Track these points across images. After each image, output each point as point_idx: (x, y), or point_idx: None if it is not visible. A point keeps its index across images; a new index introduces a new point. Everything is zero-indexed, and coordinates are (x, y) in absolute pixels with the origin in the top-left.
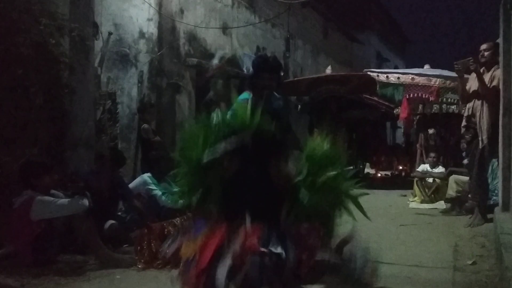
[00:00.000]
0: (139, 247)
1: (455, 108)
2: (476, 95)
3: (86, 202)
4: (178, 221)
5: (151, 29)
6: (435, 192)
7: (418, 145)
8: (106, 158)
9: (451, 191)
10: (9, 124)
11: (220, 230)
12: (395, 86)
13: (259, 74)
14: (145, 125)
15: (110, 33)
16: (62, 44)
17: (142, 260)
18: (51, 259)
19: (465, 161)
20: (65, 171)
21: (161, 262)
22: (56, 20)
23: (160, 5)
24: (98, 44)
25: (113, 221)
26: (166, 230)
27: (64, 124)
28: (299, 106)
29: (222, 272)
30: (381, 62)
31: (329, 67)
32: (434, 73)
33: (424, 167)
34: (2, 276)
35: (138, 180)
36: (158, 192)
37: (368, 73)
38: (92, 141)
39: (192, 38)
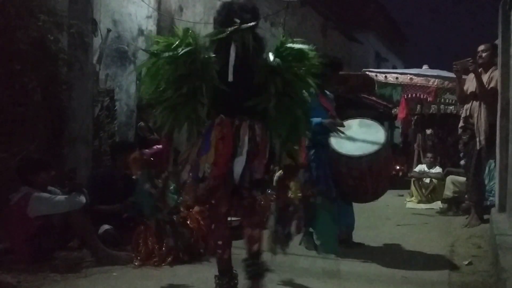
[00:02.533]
0: (135, 245)
1: (453, 109)
2: (473, 96)
3: (83, 198)
4: (175, 218)
5: (150, 26)
6: (432, 193)
7: (415, 145)
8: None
9: (448, 191)
10: (7, 120)
11: (227, 129)
12: (394, 86)
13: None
14: (141, 123)
15: (109, 30)
16: (61, 40)
17: (139, 258)
18: (48, 256)
19: (462, 162)
20: (63, 168)
21: (158, 259)
22: (55, 17)
23: (159, 3)
24: (97, 41)
25: (108, 226)
26: (162, 228)
27: (62, 121)
28: None
29: (238, 167)
30: (380, 62)
31: None
32: (432, 74)
33: (422, 167)
34: None
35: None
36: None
37: (367, 72)
38: (89, 138)
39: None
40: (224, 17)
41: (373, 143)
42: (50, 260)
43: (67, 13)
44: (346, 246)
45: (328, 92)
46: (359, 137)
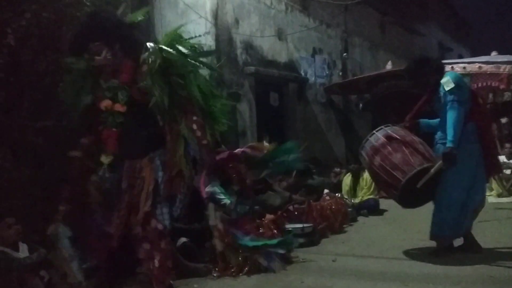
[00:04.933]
0: (213, 256)
1: None
2: None
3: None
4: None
5: (209, 42)
6: None
7: None
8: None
9: None
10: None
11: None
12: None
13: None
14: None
15: None
16: None
17: (217, 269)
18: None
19: None
20: None
21: (235, 269)
22: None
23: (216, 18)
24: None
25: (185, 239)
26: None
27: None
28: (361, 105)
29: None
30: (444, 52)
31: (389, 63)
32: (502, 60)
33: (500, 158)
34: None
35: (206, 189)
36: (227, 201)
37: None
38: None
39: (249, 46)
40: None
41: None
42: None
43: None
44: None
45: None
46: None
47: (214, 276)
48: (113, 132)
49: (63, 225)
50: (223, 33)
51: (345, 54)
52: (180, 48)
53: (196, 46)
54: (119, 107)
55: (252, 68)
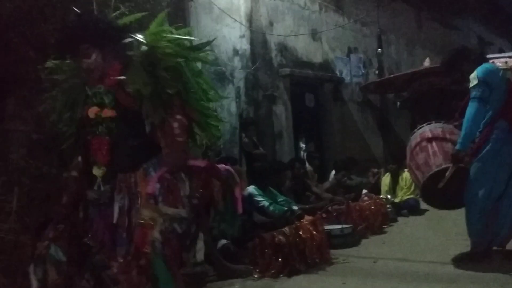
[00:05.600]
0: (253, 257)
1: None
2: None
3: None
4: (287, 230)
5: (244, 45)
6: None
7: None
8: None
9: None
10: None
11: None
12: (503, 71)
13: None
14: (245, 139)
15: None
16: None
17: (258, 270)
18: None
19: None
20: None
21: (275, 270)
22: None
23: (250, 21)
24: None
25: (225, 241)
26: (276, 239)
27: None
28: (398, 103)
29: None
30: (484, 47)
31: (427, 59)
32: None
33: None
34: None
35: (244, 192)
36: (265, 203)
37: None
38: (200, 158)
39: (283, 48)
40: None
41: None
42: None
43: None
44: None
45: None
46: None
47: (255, 277)
48: (105, 141)
49: (55, 245)
50: (257, 36)
51: (379, 50)
52: (168, 38)
53: (187, 36)
54: (108, 112)
55: (287, 70)
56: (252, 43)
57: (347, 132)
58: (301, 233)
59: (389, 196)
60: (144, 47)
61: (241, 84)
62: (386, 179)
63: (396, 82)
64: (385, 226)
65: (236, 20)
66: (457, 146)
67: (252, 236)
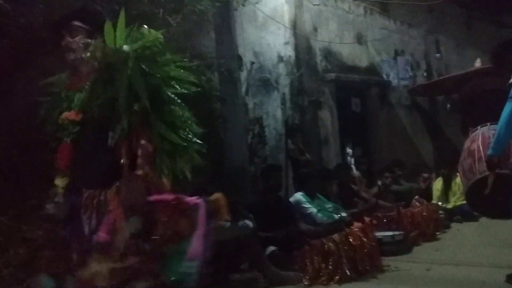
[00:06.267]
0: (302, 264)
1: None
2: None
3: (250, 224)
4: (337, 237)
5: (289, 51)
6: None
7: None
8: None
9: None
10: None
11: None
12: None
13: None
14: (291, 145)
15: (252, 63)
16: (213, 79)
17: (307, 277)
18: (224, 279)
19: None
20: (227, 197)
21: (325, 278)
22: (206, 59)
23: (294, 27)
24: (243, 74)
25: (273, 248)
26: (326, 246)
27: (220, 153)
28: (448, 105)
29: None
30: None
31: (478, 60)
32: None
33: None
34: None
35: (291, 199)
36: (313, 210)
37: None
38: (246, 166)
39: (328, 53)
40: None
41: None
42: (226, 283)
43: (215, 54)
44: None
45: None
46: None
47: (304, 284)
48: (67, 145)
49: (47, 275)
50: (302, 42)
51: (437, 55)
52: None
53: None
54: (71, 115)
55: (332, 75)
56: (296, 49)
57: (395, 136)
58: (351, 240)
59: (439, 203)
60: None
61: (286, 91)
62: (437, 184)
63: (446, 84)
64: (438, 233)
65: (280, 27)
66: (489, 151)
67: (301, 243)
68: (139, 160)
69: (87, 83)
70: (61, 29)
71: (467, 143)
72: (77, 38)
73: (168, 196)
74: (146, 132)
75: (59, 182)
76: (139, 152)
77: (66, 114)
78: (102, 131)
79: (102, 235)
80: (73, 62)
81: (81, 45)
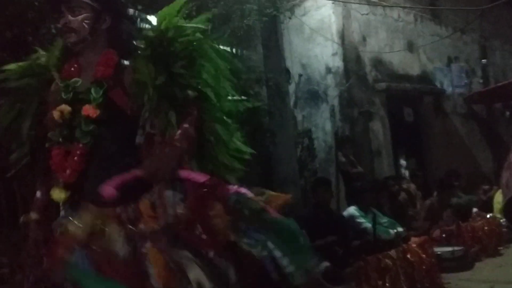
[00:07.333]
0: (358, 281)
1: None
2: None
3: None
4: (394, 253)
5: (337, 62)
6: None
7: None
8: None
9: None
10: None
11: None
12: None
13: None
14: (342, 158)
15: (300, 75)
16: (261, 93)
17: None
18: None
19: None
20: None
21: None
22: (254, 73)
23: (342, 38)
24: (291, 87)
25: (327, 263)
26: (382, 263)
27: (270, 166)
28: (508, 113)
29: None
30: None
31: None
32: None
33: None
34: None
35: (345, 213)
36: (368, 224)
37: None
38: (296, 179)
39: (378, 62)
40: None
41: None
42: None
43: (263, 68)
44: None
45: None
46: None
47: None
48: (79, 148)
49: None
50: (350, 53)
51: (483, 60)
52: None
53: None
54: (88, 110)
55: (383, 84)
56: (345, 59)
57: (451, 146)
58: (409, 256)
59: (503, 219)
60: (151, 33)
61: (336, 102)
62: (499, 197)
63: (504, 91)
64: (501, 248)
65: (328, 39)
66: None
67: (355, 259)
68: (178, 136)
69: (109, 73)
70: (60, 4)
71: (511, 155)
72: (80, 17)
73: (202, 177)
74: (196, 119)
75: (58, 195)
76: (179, 131)
77: (85, 108)
78: (124, 130)
79: (107, 191)
80: (73, 46)
81: (85, 26)
